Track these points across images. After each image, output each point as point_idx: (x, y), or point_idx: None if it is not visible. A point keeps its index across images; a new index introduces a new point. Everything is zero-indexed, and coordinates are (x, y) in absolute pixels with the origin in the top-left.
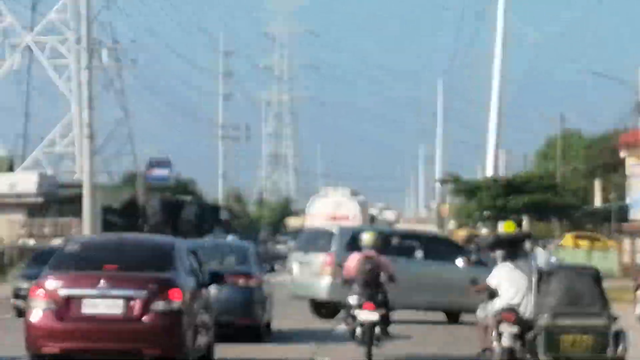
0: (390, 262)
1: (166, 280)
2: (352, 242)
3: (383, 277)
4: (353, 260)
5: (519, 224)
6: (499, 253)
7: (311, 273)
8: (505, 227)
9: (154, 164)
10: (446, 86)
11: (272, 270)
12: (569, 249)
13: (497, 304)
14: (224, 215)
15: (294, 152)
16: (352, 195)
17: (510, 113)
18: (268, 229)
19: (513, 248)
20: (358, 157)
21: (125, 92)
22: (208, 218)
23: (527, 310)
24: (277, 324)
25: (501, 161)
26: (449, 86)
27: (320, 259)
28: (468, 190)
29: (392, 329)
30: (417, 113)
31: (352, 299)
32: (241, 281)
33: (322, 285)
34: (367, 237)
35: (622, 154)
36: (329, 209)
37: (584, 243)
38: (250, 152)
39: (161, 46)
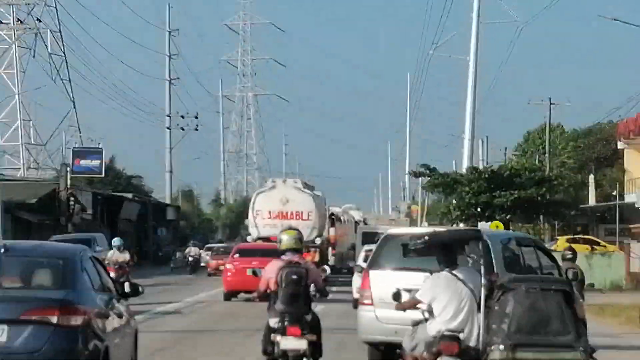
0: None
1: None
2: (512, 256)
3: (312, 290)
4: (272, 269)
5: (507, 225)
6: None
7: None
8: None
9: (81, 153)
10: (416, 81)
11: (135, 292)
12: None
13: (432, 327)
14: (170, 214)
15: (257, 150)
16: (305, 187)
17: (487, 104)
18: (223, 230)
19: (453, 252)
20: (325, 157)
21: (71, 82)
22: (152, 217)
23: (472, 337)
24: None
25: (479, 153)
26: (419, 81)
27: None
28: (446, 184)
29: None
30: (386, 109)
31: (272, 322)
32: (55, 318)
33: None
34: (286, 238)
35: (620, 145)
36: (276, 204)
37: (581, 248)
38: (211, 149)
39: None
